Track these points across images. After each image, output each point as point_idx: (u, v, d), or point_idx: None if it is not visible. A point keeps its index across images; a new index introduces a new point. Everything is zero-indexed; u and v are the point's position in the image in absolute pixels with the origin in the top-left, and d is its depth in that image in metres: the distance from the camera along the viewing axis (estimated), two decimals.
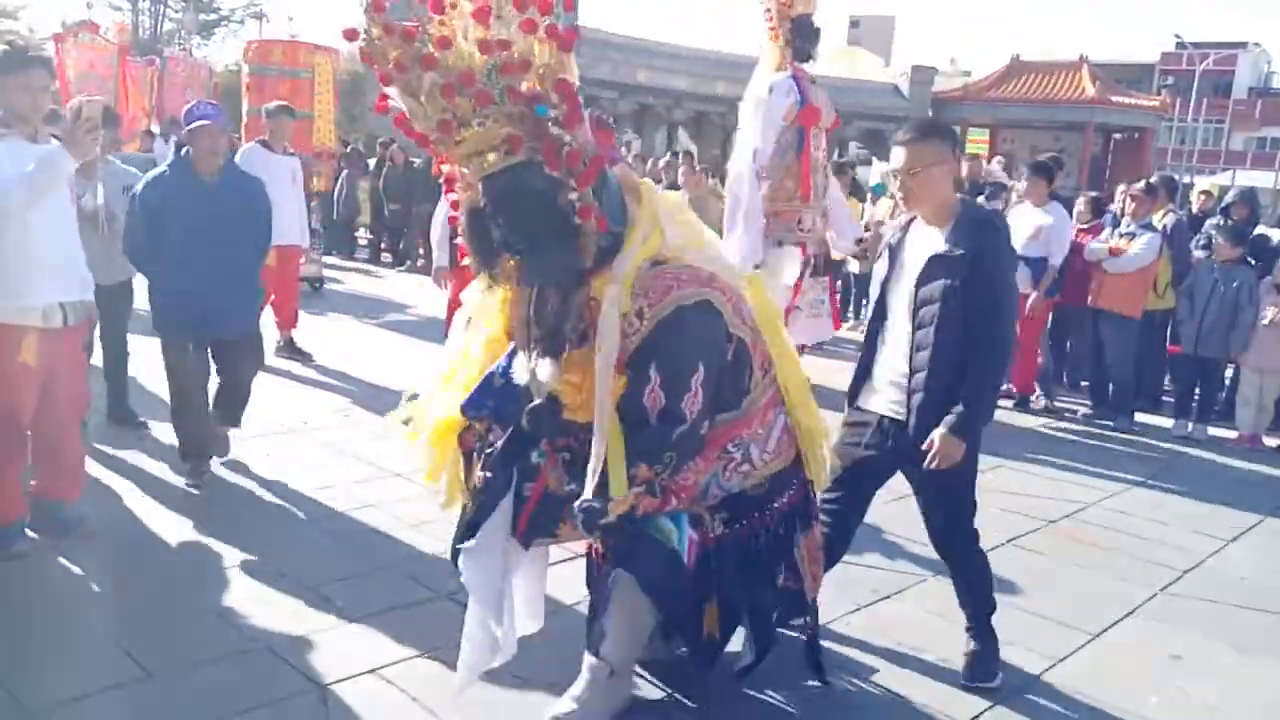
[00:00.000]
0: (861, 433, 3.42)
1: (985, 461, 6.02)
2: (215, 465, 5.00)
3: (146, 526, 4.32)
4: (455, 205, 2.98)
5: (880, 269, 3.46)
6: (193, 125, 4.58)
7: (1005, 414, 7.41)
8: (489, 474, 2.89)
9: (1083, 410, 7.59)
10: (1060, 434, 7.13)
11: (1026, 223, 7.39)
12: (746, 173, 7.02)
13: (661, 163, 13.15)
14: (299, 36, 12.16)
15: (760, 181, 6.99)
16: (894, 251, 3.39)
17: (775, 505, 3.03)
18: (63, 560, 3.94)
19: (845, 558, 4.29)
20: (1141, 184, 7.57)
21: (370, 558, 4.12)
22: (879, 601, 3.99)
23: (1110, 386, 7.54)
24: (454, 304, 6.25)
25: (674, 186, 10.93)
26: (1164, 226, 7.72)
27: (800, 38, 7.13)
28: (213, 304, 4.56)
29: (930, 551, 4.43)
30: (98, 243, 4.56)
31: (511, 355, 2.94)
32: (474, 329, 3.19)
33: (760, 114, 7.04)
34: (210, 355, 4.86)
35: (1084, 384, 8.16)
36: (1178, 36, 51.43)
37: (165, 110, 15.66)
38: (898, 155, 3.26)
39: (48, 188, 3.69)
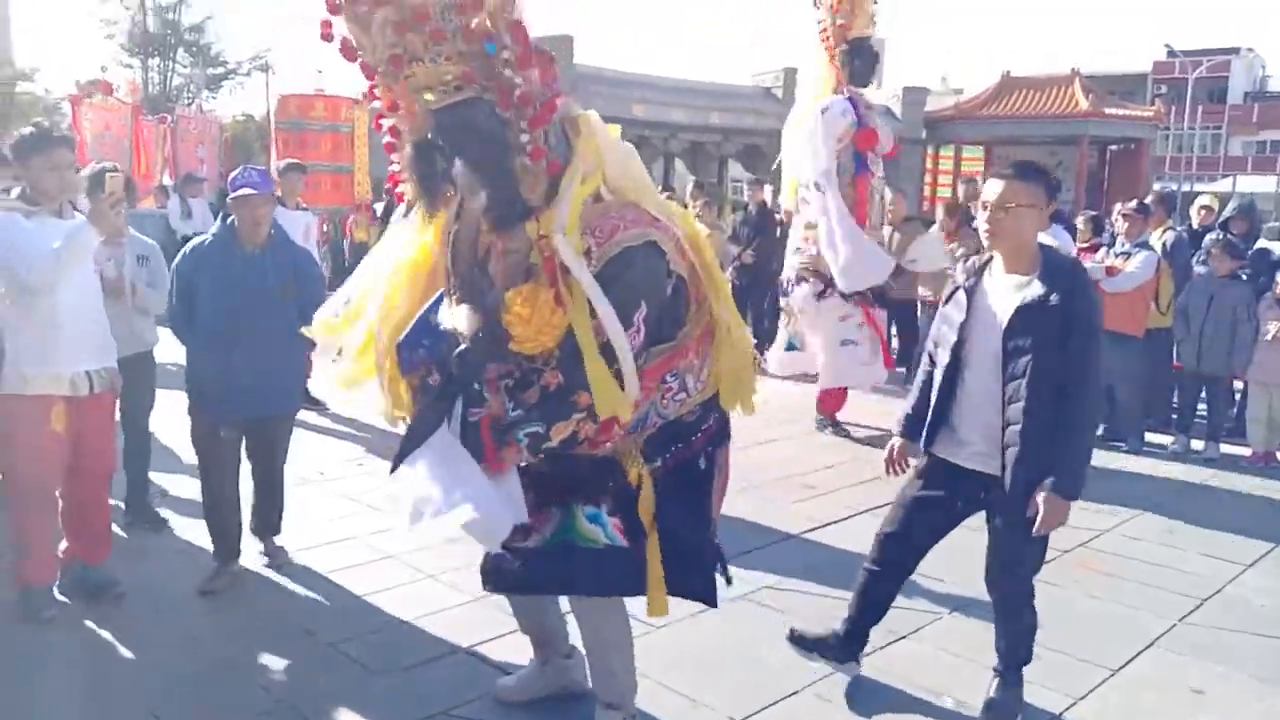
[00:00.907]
0: (941, 483, 3.41)
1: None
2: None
3: (173, 587, 4.36)
4: (390, 146, 2.99)
5: (954, 313, 3.37)
6: (236, 194, 4.33)
7: None
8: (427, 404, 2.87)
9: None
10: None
11: None
12: (816, 197, 6.82)
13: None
14: (324, 90, 12.25)
15: (823, 195, 6.79)
16: (970, 296, 3.30)
17: (703, 430, 3.10)
18: (89, 623, 3.99)
19: (852, 593, 4.33)
20: (1134, 203, 7.62)
21: (391, 611, 4.15)
22: (896, 642, 4.00)
23: (1117, 406, 7.55)
24: None
25: None
26: (1163, 244, 7.77)
27: (859, 61, 6.99)
28: (251, 383, 4.27)
29: (946, 587, 4.49)
30: (117, 313, 4.51)
31: (440, 298, 2.96)
32: (383, 253, 3.19)
33: (812, 137, 6.84)
34: (244, 442, 4.54)
35: None
36: (1168, 45, 51.58)
37: (179, 166, 15.81)
38: (992, 187, 3.20)
39: (75, 263, 3.84)
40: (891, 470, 3.62)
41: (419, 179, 2.94)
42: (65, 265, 3.77)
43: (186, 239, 12.31)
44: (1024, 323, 3.11)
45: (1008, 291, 3.20)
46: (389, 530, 5.02)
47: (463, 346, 2.79)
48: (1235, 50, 53.32)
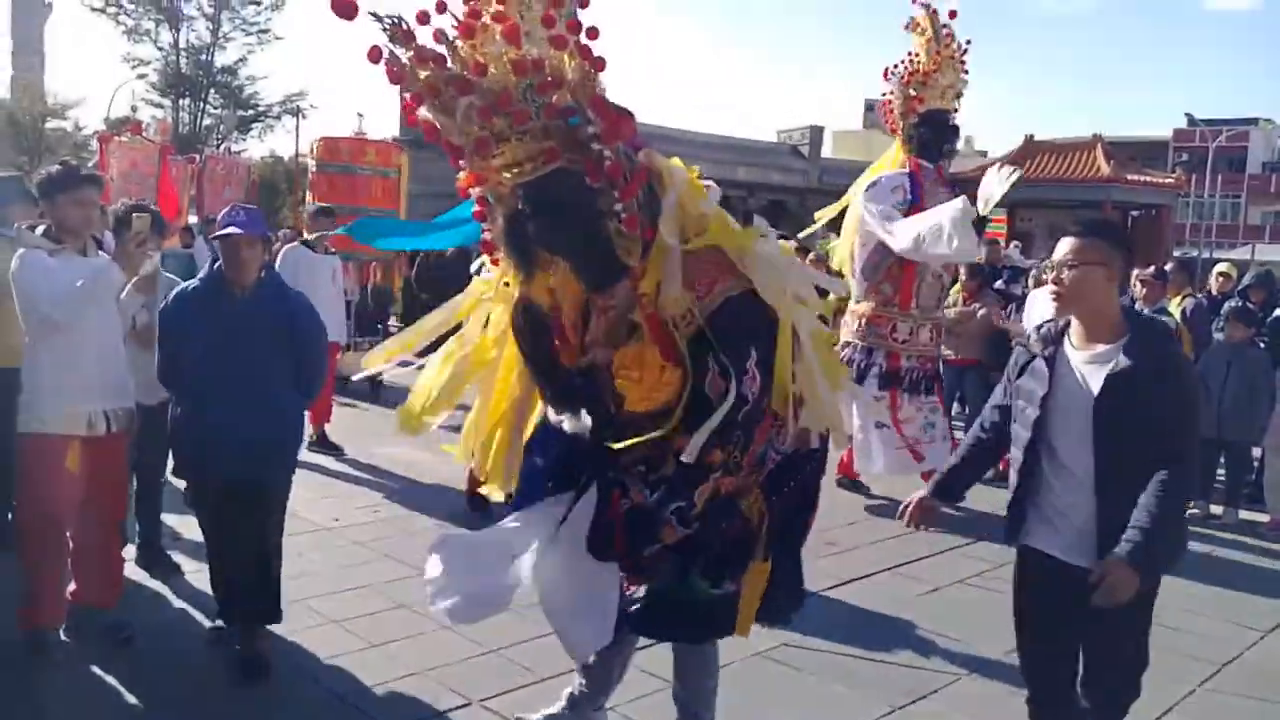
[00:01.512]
0: (1044, 581, 3.07)
1: (1012, 552, 6.08)
2: None
3: (182, 633, 4.37)
4: (480, 215, 3.11)
5: (1033, 386, 3.01)
6: (218, 234, 3.96)
7: None
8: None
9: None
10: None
11: (1044, 307, 7.46)
12: (874, 221, 6.54)
13: None
14: (365, 133, 12.38)
15: (858, 279, 6.72)
16: (1051, 366, 2.98)
17: (809, 458, 3.23)
18: (95, 668, 3.96)
19: (876, 656, 4.32)
20: (1152, 269, 7.65)
21: (401, 663, 4.14)
22: (913, 703, 3.97)
23: None
24: None
25: None
26: (1182, 310, 7.79)
27: (929, 133, 6.77)
28: (237, 441, 3.82)
29: (964, 647, 4.46)
30: (146, 360, 4.35)
31: (540, 440, 3.15)
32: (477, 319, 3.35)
33: (861, 207, 6.65)
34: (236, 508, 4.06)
35: None
36: (1189, 114, 52.00)
37: (205, 208, 16.08)
38: (1060, 246, 2.95)
39: (98, 301, 3.84)
40: (911, 523, 3.38)
41: (514, 249, 2.98)
42: (88, 303, 3.78)
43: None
44: (1114, 396, 2.81)
45: (1092, 362, 2.89)
46: (404, 579, 5.04)
47: (588, 435, 2.95)
48: (1254, 121, 53.71)
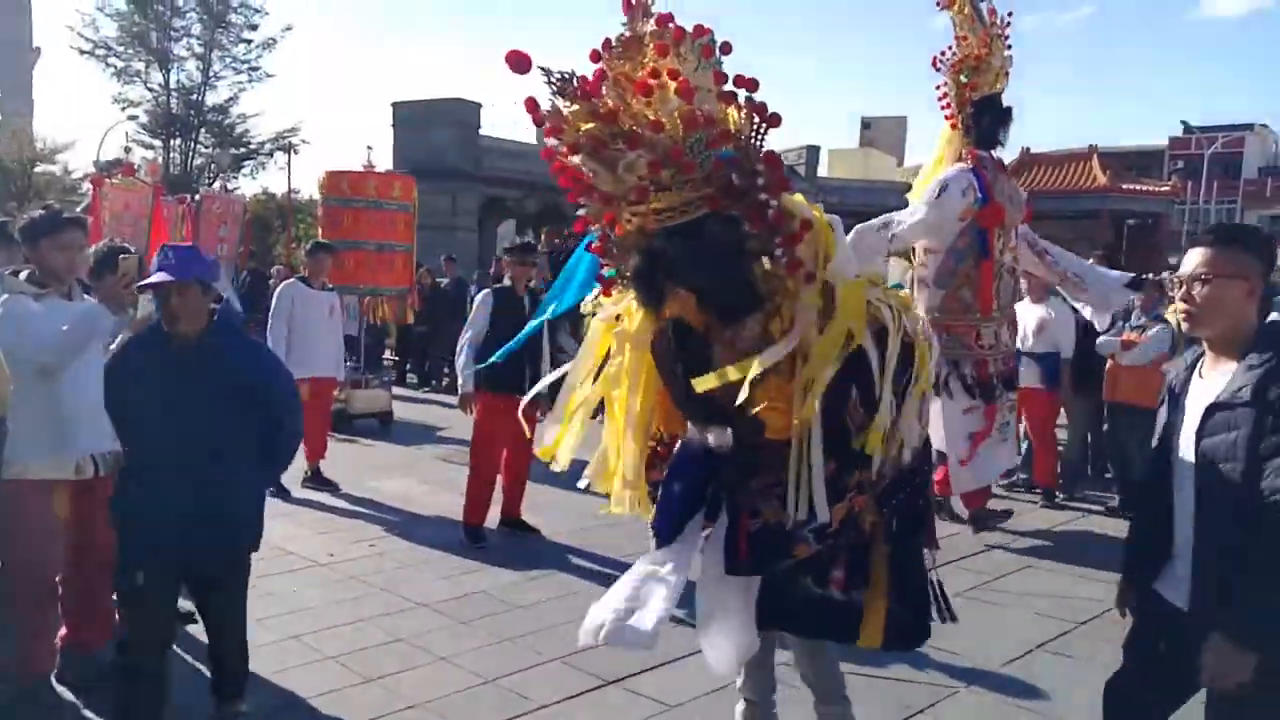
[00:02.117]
0: (1158, 627, 2.77)
1: (1011, 562, 6.06)
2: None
3: (174, 672, 4.34)
4: (601, 250, 3.17)
5: (1164, 417, 2.81)
6: (145, 283, 3.51)
7: (1030, 511, 7.39)
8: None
9: (1110, 504, 7.55)
10: (1086, 529, 7.08)
11: (1030, 319, 7.53)
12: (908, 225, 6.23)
13: None
14: (374, 166, 12.19)
15: (931, 289, 6.39)
16: (1175, 396, 2.74)
17: (919, 471, 3.26)
18: (88, 712, 3.92)
19: (873, 670, 4.30)
20: (1148, 277, 7.68)
21: (400, 697, 4.11)
22: (911, 717, 3.95)
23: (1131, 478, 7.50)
24: (481, 428, 6.37)
25: None
26: (1179, 317, 7.78)
27: (987, 119, 6.40)
28: (186, 515, 3.32)
29: (961, 660, 4.44)
30: None
31: (676, 466, 3.20)
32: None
33: (926, 213, 6.22)
34: (190, 593, 3.74)
35: (1108, 476, 8.13)
36: (1184, 122, 52.19)
37: (201, 248, 16.11)
38: (1189, 258, 2.63)
39: (85, 346, 3.80)
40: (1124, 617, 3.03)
41: (646, 286, 3.02)
42: (74, 347, 3.74)
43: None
44: (1214, 424, 2.52)
45: (1213, 385, 2.59)
46: (401, 612, 5.04)
47: (724, 453, 3.03)
48: (1249, 126, 53.88)
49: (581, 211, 3.09)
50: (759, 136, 2.86)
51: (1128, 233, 31.32)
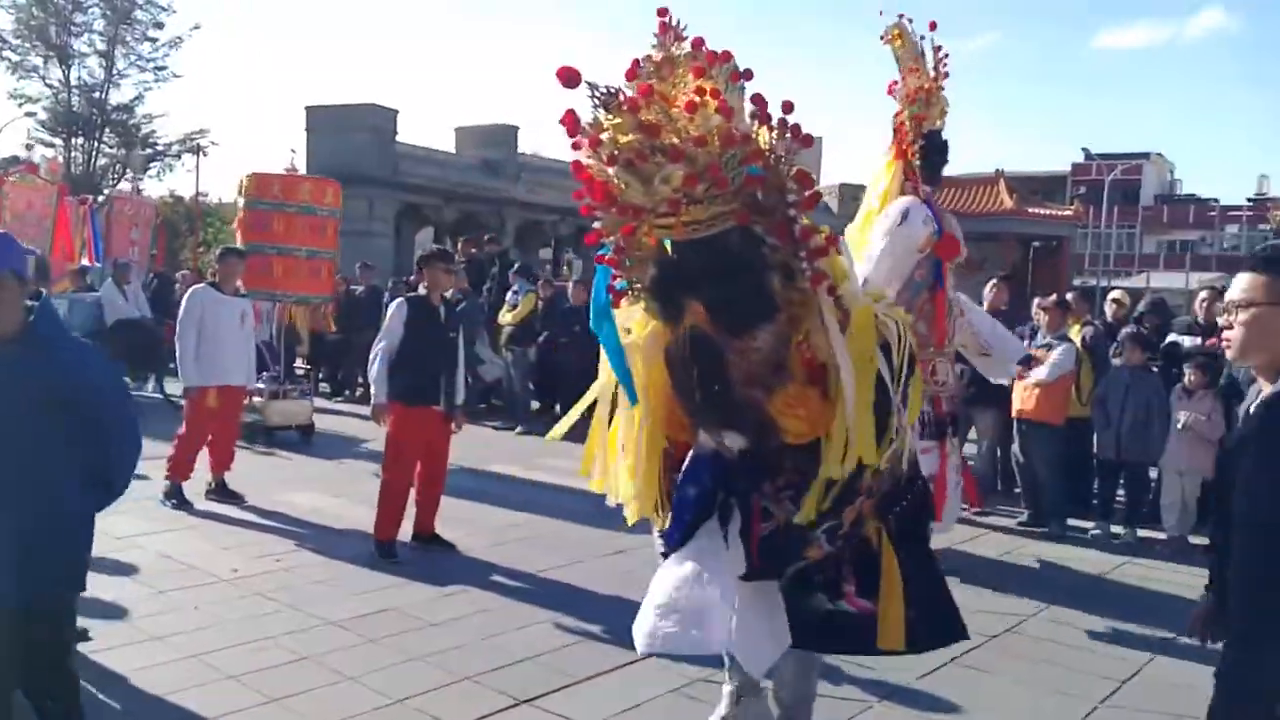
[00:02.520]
0: None
1: None
2: (143, 618, 4.85)
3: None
4: (614, 261, 3.18)
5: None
6: None
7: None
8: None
9: (1018, 519, 7.73)
10: (996, 544, 7.22)
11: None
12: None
13: None
14: (296, 169, 11.73)
15: None
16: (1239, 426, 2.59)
17: (914, 480, 3.44)
18: None
19: None
20: (1053, 297, 7.89)
21: (302, 718, 3.96)
22: None
23: (1040, 493, 7.69)
24: (394, 441, 6.23)
25: None
26: (1083, 337, 8.03)
27: (936, 155, 6.33)
28: None
29: (876, 675, 4.47)
30: None
31: (691, 471, 3.23)
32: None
33: (888, 244, 5.91)
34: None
35: (1017, 491, 8.31)
36: (1085, 149, 54.14)
37: (112, 250, 15.58)
38: (1235, 284, 2.47)
39: None
40: (1199, 639, 2.90)
41: (662, 296, 3.10)
42: None
43: (122, 324, 12.07)
44: (1235, 452, 2.42)
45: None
46: (307, 630, 4.88)
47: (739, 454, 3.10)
48: (1146, 155, 56.15)
49: (597, 224, 3.11)
50: (791, 155, 2.99)
51: (1033, 254, 32.30)
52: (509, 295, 12.15)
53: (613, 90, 2.96)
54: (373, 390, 6.40)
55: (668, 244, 3.07)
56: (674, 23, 3.09)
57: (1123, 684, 4.59)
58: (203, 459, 7.46)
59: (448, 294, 6.58)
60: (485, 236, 15.79)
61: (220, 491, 7.46)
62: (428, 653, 4.62)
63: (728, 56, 3.05)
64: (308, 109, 27.60)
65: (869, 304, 3.24)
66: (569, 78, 2.89)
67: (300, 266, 10.45)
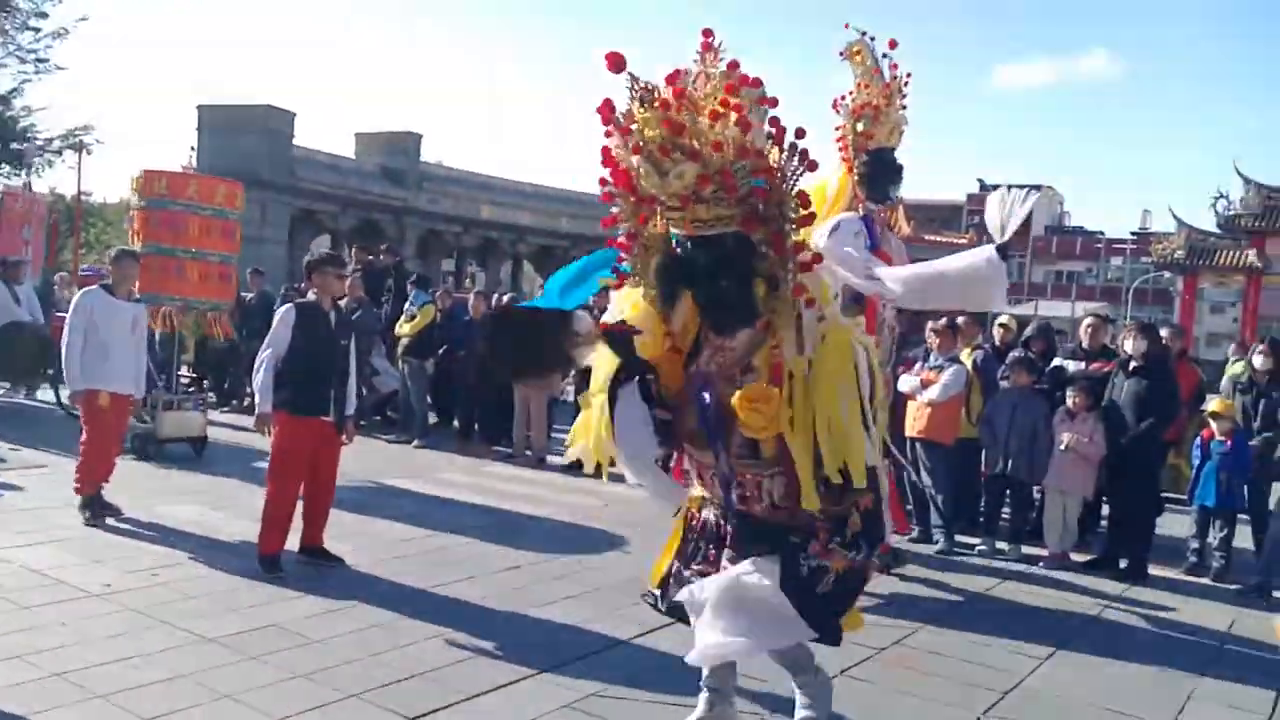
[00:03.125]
0: None
1: None
2: (5, 635, 4.58)
3: None
4: (627, 247, 3.62)
5: None
6: None
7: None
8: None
9: (910, 535, 7.88)
10: (884, 560, 7.32)
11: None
12: (854, 266, 5.74)
13: (505, 298, 13.22)
14: (192, 167, 11.19)
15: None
16: None
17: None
18: None
19: (681, 700, 4.28)
20: (944, 320, 8.09)
21: None
22: None
23: (929, 511, 7.86)
24: (280, 451, 6.02)
25: None
26: (973, 360, 8.25)
27: (880, 173, 6.30)
28: None
29: (766, 687, 4.48)
30: None
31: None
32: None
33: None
34: None
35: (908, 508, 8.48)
36: (980, 180, 56.04)
37: (2, 247, 14.76)
38: None
39: None
40: None
41: (663, 284, 3.51)
42: None
43: (8, 327, 11.42)
44: None
45: None
46: (181, 647, 4.67)
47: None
48: (1038, 187, 58.15)
49: (614, 209, 3.52)
50: (795, 175, 3.38)
51: None
52: (406, 306, 11.94)
53: (651, 88, 3.30)
54: (257, 399, 6.17)
55: (674, 240, 3.47)
56: (715, 44, 3.40)
57: (1004, 695, 4.69)
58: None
59: (342, 301, 6.40)
60: (382, 246, 15.51)
61: (96, 504, 7.08)
62: (311, 670, 4.46)
63: (758, 82, 3.35)
64: (200, 108, 26.80)
65: (849, 327, 3.64)
66: (616, 62, 3.22)
67: (213, 271, 10.06)
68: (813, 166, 3.39)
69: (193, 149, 26.01)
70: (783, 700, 4.27)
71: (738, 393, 3.36)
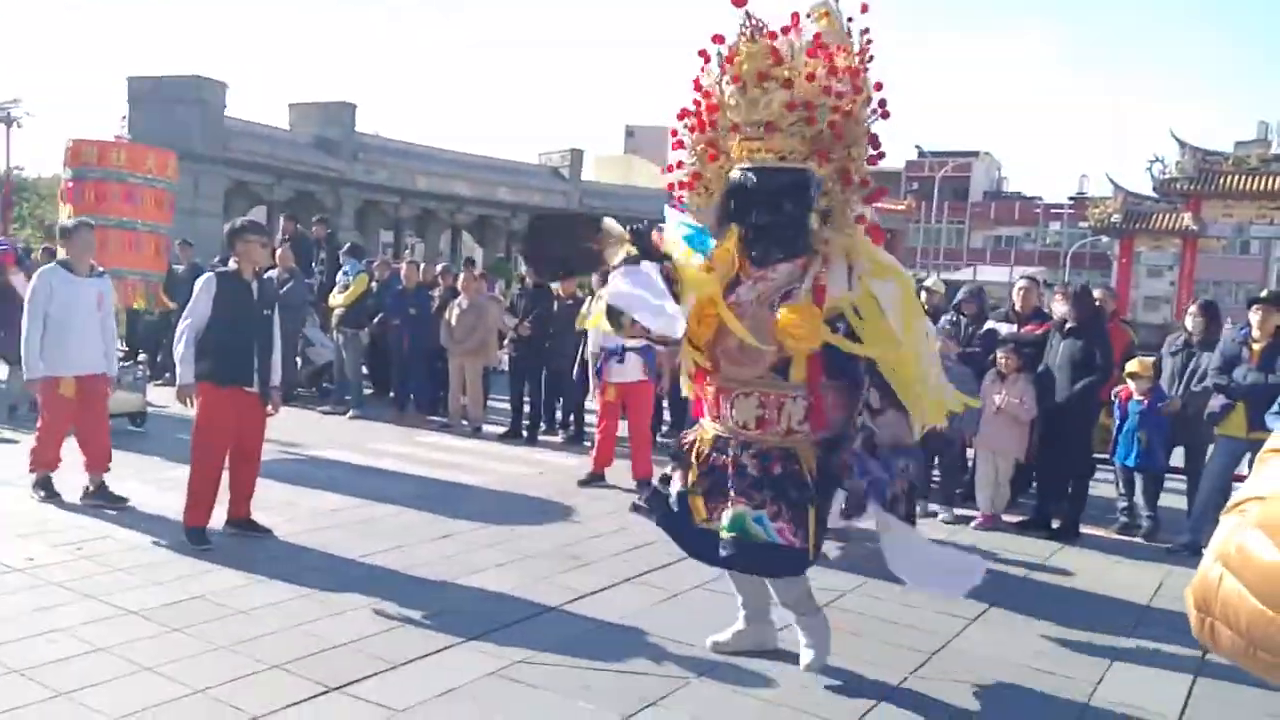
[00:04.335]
0: None
1: None
2: None
3: None
4: (690, 185, 4.21)
5: None
6: None
7: None
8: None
9: None
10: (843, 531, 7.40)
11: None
12: None
13: (439, 268, 13.07)
14: (125, 137, 10.71)
15: None
16: None
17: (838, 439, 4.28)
18: None
19: (612, 666, 4.30)
20: None
21: (90, 712, 3.70)
22: (645, 708, 3.95)
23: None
24: (204, 422, 5.89)
25: (454, 291, 10.93)
26: None
27: None
28: None
29: (694, 650, 4.51)
30: None
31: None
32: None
33: None
34: None
35: None
36: (918, 146, 56.42)
37: None
38: None
39: None
40: None
41: (726, 208, 4.05)
42: None
43: None
44: None
45: None
46: (105, 620, 4.58)
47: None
48: (975, 154, 58.97)
49: (680, 156, 4.18)
50: (869, 121, 4.01)
51: None
52: (339, 276, 11.77)
53: (761, 24, 3.92)
54: (178, 370, 5.96)
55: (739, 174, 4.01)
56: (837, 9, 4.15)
57: (931, 656, 4.76)
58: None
59: (273, 272, 6.25)
60: (314, 218, 15.23)
61: (101, 495, 6.70)
62: (234, 641, 4.40)
63: (864, 52, 4.08)
64: (130, 79, 26.03)
65: (908, 276, 4.37)
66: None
67: (141, 240, 9.72)
68: (885, 115, 3.98)
69: (124, 118, 25.26)
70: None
71: (783, 307, 3.87)
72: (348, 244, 13.40)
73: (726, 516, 4.07)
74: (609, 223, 4.11)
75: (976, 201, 57.60)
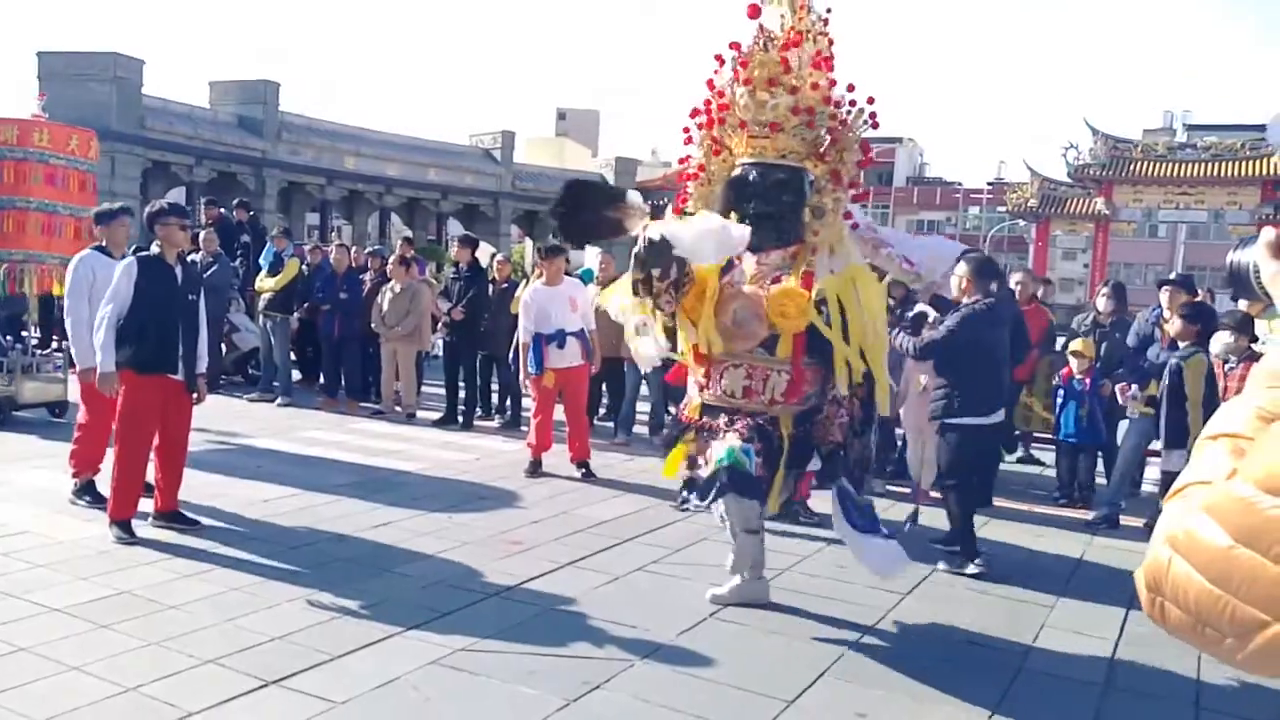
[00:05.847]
0: None
1: (689, 536, 6.29)
2: None
3: None
4: (694, 177, 4.82)
5: None
6: None
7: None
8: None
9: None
10: (793, 508, 7.43)
11: (562, 298, 8.15)
12: None
13: (367, 250, 12.83)
14: (43, 116, 10.15)
15: None
16: None
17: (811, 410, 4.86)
18: None
19: (554, 651, 4.28)
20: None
21: (11, 715, 3.57)
22: (589, 693, 3.94)
23: None
24: (128, 411, 5.69)
25: (383, 276, 10.76)
26: None
27: None
28: None
29: (638, 633, 4.52)
30: None
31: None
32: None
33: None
34: None
35: None
36: None
37: None
38: None
39: None
40: None
41: (728, 198, 4.62)
42: None
43: None
44: None
45: None
46: (29, 618, 4.41)
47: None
48: (899, 139, 59.83)
49: (689, 151, 4.81)
50: (859, 129, 4.68)
51: None
52: (266, 257, 11.50)
53: (773, 36, 4.56)
54: (98, 358, 5.73)
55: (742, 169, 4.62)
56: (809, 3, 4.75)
57: (867, 630, 4.83)
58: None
59: (197, 256, 6.07)
60: (235, 201, 14.88)
61: (88, 491, 6.45)
62: (165, 637, 4.28)
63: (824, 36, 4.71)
64: (40, 55, 25.06)
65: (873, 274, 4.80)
66: (754, 12, 4.61)
67: (59, 223, 9.31)
68: (876, 125, 4.65)
69: (43, 95, 24.31)
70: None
71: (776, 289, 4.35)
72: (278, 227, 13.10)
73: (721, 448, 4.49)
74: (633, 195, 4.80)
75: (900, 187, 58.52)
